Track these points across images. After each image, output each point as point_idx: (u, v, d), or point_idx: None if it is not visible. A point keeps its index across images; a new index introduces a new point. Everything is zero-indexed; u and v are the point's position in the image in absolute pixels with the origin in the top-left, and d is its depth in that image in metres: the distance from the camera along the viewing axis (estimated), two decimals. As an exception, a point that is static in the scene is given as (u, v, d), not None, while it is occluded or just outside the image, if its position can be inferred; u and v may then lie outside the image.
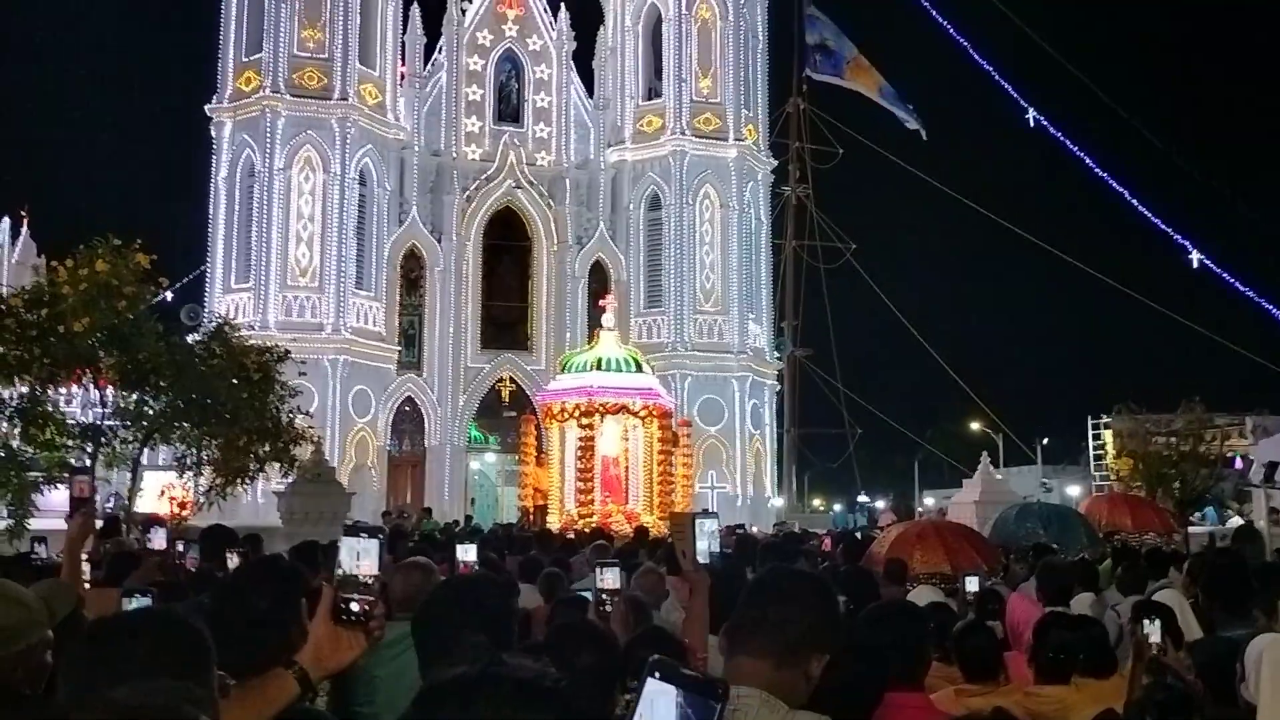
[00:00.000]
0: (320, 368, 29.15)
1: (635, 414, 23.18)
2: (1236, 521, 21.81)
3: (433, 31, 35.11)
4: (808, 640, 2.44)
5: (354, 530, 2.44)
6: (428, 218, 33.74)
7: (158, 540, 6.52)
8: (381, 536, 2.44)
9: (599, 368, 23.37)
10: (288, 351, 17.54)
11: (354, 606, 2.34)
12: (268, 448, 16.14)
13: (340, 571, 2.38)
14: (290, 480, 17.40)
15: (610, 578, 4.66)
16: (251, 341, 17.27)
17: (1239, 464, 26.47)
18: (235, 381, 15.45)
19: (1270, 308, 29.04)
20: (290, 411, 16.54)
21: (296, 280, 30.90)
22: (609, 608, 4.55)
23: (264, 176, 30.94)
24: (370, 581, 2.37)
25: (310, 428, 17.70)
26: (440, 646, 2.90)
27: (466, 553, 5.50)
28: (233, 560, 5.45)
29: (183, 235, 33.37)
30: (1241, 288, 29.50)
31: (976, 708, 3.75)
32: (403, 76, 34.22)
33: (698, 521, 4.24)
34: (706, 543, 4.18)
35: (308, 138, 31.26)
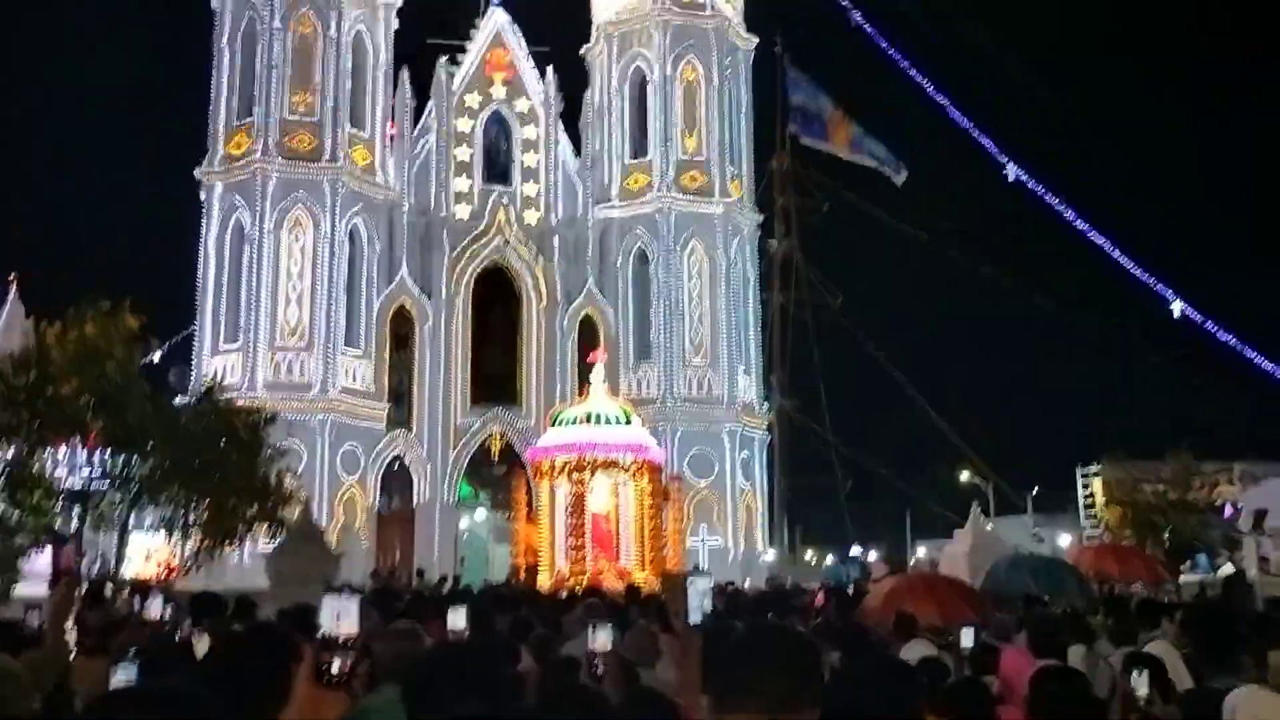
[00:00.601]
0: (309, 427, 29.11)
1: (626, 469, 23.08)
2: (1228, 569, 21.80)
3: (422, 93, 35.63)
4: (794, 697, 2.47)
5: (333, 591, 2.46)
6: (417, 276, 33.93)
7: (154, 609, 6.42)
8: (361, 595, 2.47)
9: (589, 422, 23.31)
10: (276, 414, 17.54)
11: (334, 668, 2.37)
12: (256, 509, 16.08)
13: (321, 632, 2.41)
14: (278, 542, 17.29)
15: (603, 638, 4.66)
16: (240, 403, 17.30)
17: (1228, 511, 26.50)
18: (224, 443, 15.44)
19: (1253, 355, 29.28)
20: (279, 472, 16.51)
21: (285, 340, 30.95)
22: (601, 669, 4.55)
23: (254, 238, 31.13)
24: (350, 642, 2.39)
25: (299, 488, 17.65)
26: (436, 715, 2.90)
27: (457, 619, 5.42)
28: (200, 640, 5.36)
29: (171, 296, 33.48)
30: (1223, 336, 29.74)
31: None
32: (392, 138, 34.63)
33: (690, 580, 4.28)
34: (699, 601, 4.21)
35: (298, 199, 31.52)
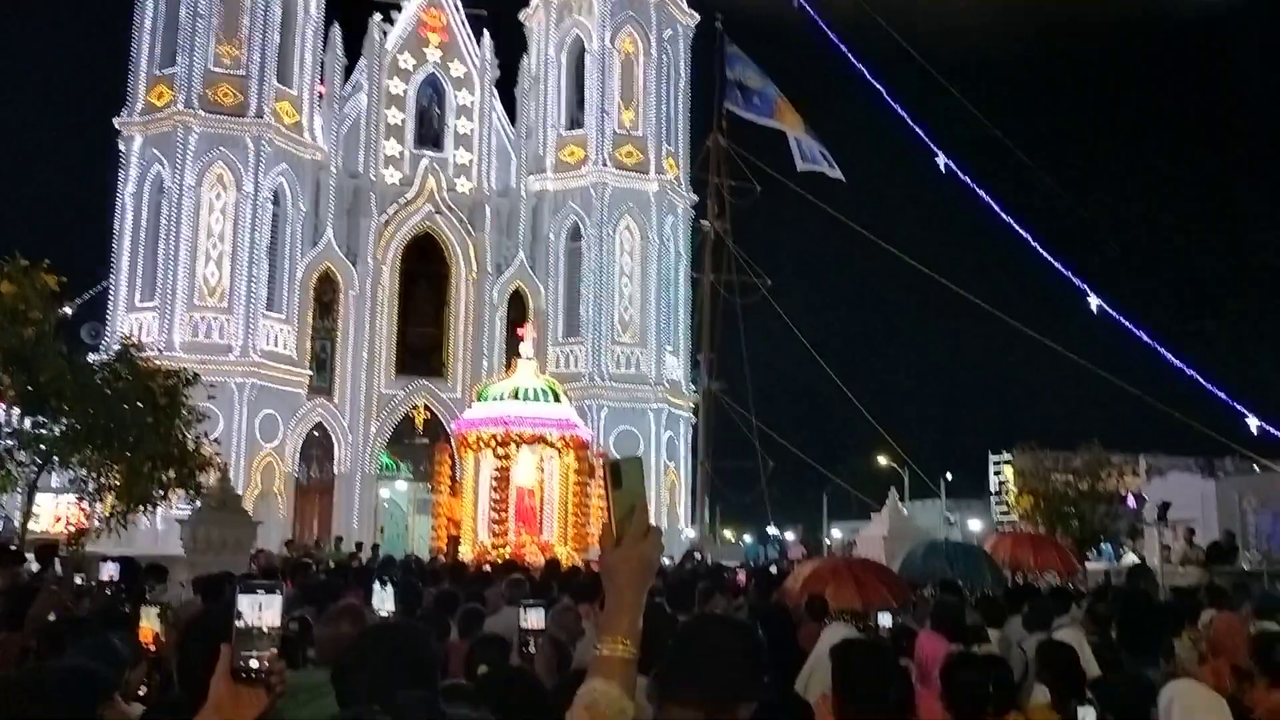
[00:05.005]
0: (227, 391, 28.44)
1: (552, 445, 23.09)
2: (1131, 559, 22.61)
3: (353, 52, 34.85)
4: (737, 689, 2.47)
5: (251, 587, 2.36)
6: (343, 240, 33.29)
7: (107, 573, 6.20)
8: (281, 590, 2.36)
9: (516, 397, 23.24)
10: (196, 375, 17.07)
11: (253, 664, 2.28)
12: (172, 474, 15.67)
13: (240, 624, 2.31)
14: (194, 507, 16.88)
15: (534, 618, 4.63)
16: (158, 363, 16.79)
17: (1131, 502, 27.46)
18: (140, 405, 14.98)
19: (1164, 352, 30.30)
20: (196, 437, 16.10)
21: (204, 300, 30.15)
22: (533, 649, 4.52)
23: (173, 193, 30.21)
24: (272, 634, 2.31)
25: (217, 454, 17.23)
26: (368, 698, 2.85)
27: (383, 602, 5.25)
28: (150, 611, 5.19)
29: (84, 248, 32.40)
30: (1138, 332, 30.69)
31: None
32: (321, 96, 33.82)
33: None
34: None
35: (220, 155, 30.65)
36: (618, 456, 2.25)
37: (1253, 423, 27.92)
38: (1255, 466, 27.96)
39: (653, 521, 2.24)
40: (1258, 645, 6.08)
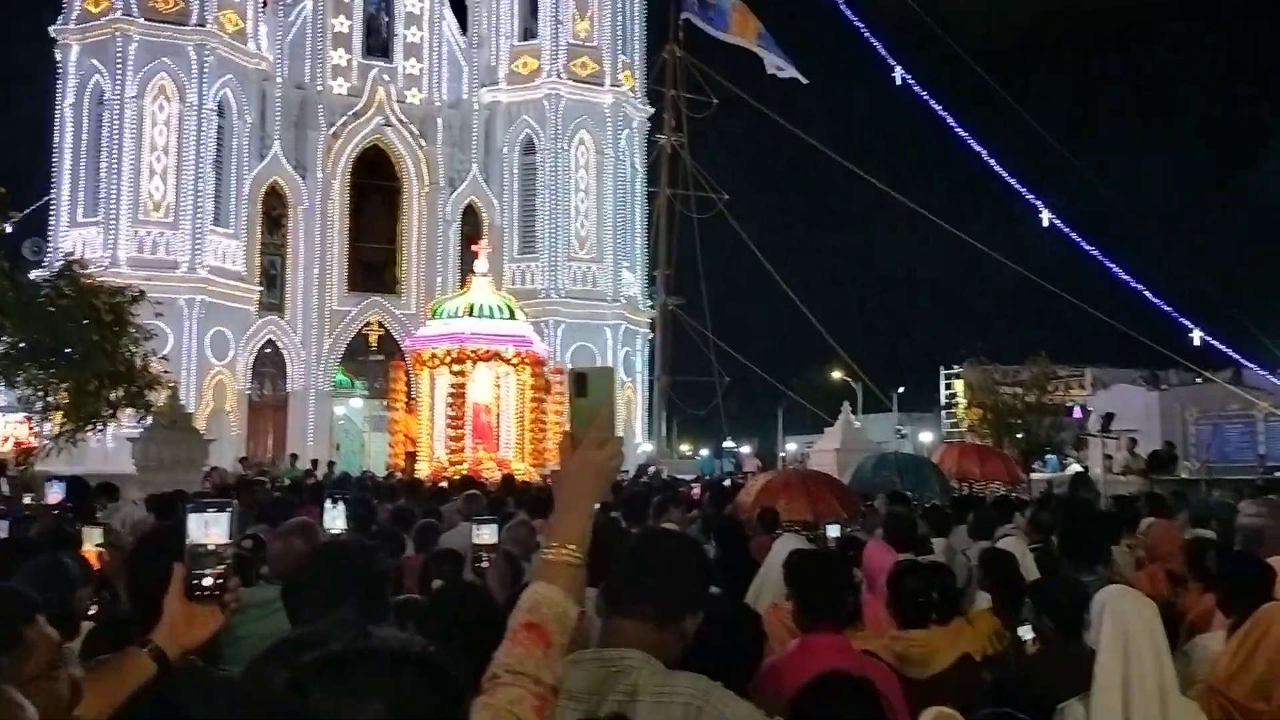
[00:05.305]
0: (175, 308, 27.94)
1: (508, 361, 23.06)
2: (1075, 468, 23.21)
3: (298, -43, 33.55)
4: (685, 602, 2.52)
5: (200, 506, 2.36)
6: (291, 153, 32.50)
7: (53, 494, 6.14)
8: (231, 509, 2.36)
9: (471, 314, 23.11)
10: (142, 293, 16.75)
11: (206, 581, 2.29)
12: (121, 392, 15.48)
13: (191, 542, 2.31)
14: (145, 426, 16.72)
15: (487, 533, 4.67)
16: (103, 280, 16.45)
17: (1077, 413, 28.10)
18: (85, 323, 14.70)
19: (1112, 266, 30.77)
20: (145, 355, 15.86)
21: (149, 215, 29.43)
22: (485, 563, 4.57)
23: (114, 105, 29.22)
24: (222, 551, 2.31)
25: (166, 372, 17.02)
26: (313, 614, 2.87)
27: (335, 520, 5.24)
28: (92, 533, 5.14)
29: (23, 160, 31.38)
30: (1087, 247, 31.13)
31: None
32: (265, 3, 32.67)
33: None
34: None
35: (162, 65, 29.62)
36: (584, 367, 2.20)
37: (1196, 336, 28.60)
38: (1197, 379, 28.67)
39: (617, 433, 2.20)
40: (1191, 551, 6.32)
